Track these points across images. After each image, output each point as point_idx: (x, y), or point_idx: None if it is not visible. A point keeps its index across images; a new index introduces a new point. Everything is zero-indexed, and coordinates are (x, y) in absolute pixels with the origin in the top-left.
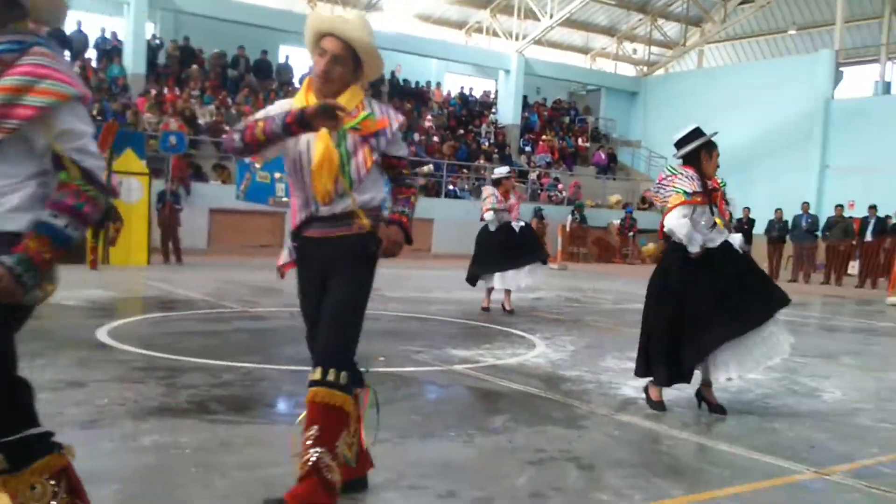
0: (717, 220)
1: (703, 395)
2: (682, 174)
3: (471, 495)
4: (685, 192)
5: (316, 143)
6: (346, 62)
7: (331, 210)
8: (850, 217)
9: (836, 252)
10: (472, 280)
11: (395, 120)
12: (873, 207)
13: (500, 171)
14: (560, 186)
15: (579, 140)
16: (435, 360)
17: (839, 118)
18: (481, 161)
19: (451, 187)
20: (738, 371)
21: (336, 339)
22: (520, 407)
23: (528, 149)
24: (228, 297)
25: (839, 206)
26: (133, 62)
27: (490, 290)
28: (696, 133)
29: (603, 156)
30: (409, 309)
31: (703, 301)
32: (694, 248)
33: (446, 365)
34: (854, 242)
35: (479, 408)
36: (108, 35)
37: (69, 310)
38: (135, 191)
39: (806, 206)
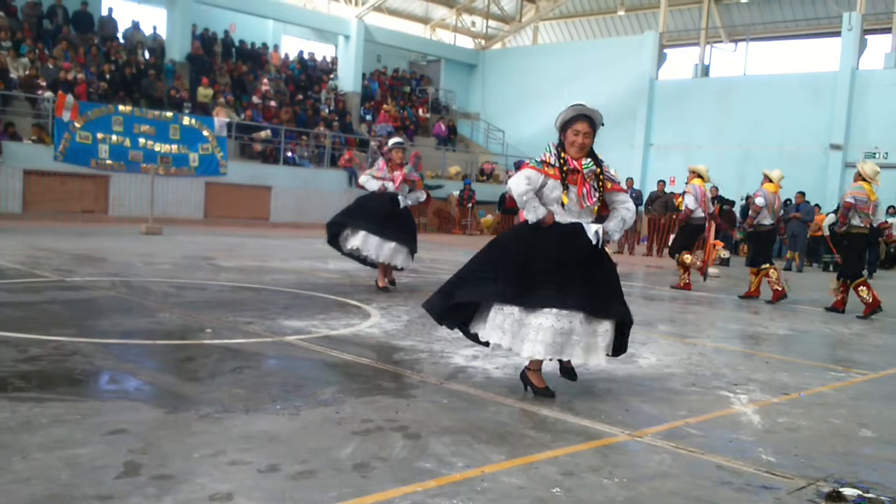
0: (564, 199)
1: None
2: (547, 150)
3: (293, 469)
4: (536, 161)
5: None
6: None
7: None
8: (671, 192)
9: (657, 225)
10: (333, 227)
11: None
12: None
13: (391, 141)
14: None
15: (420, 111)
16: (266, 332)
17: (662, 98)
18: (321, 128)
19: (289, 154)
20: (510, 345)
21: None
22: (350, 378)
23: (368, 117)
24: (42, 265)
25: (661, 182)
26: None
27: (382, 268)
28: (574, 108)
29: (443, 127)
30: (243, 279)
31: (517, 257)
32: (530, 216)
33: (277, 336)
34: (674, 216)
35: (309, 379)
36: None
37: None
38: None
39: (630, 181)
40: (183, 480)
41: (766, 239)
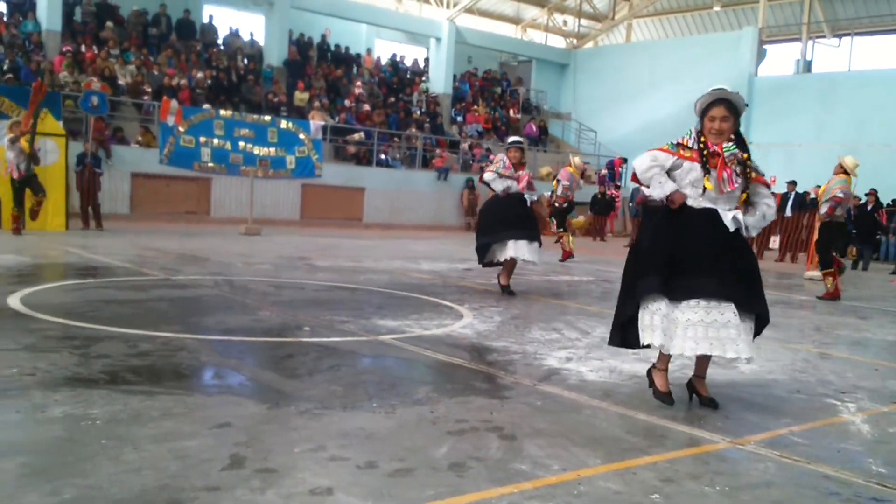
0: (707, 184)
1: (695, 386)
2: (687, 133)
3: (391, 466)
4: (671, 143)
5: None
6: None
7: None
8: (772, 192)
9: None
10: (482, 250)
11: None
12: (793, 183)
13: (511, 139)
14: (492, 157)
15: (511, 111)
16: (361, 330)
17: (762, 95)
18: (412, 130)
19: (382, 156)
20: (662, 342)
21: None
22: (444, 377)
23: (459, 119)
24: (150, 264)
25: None
26: (48, 18)
27: (507, 265)
28: (711, 93)
29: (534, 127)
30: (338, 279)
31: (656, 250)
32: (655, 191)
33: (372, 335)
34: (774, 217)
35: (403, 378)
36: None
37: None
38: (51, 153)
39: (773, 178)
40: (285, 474)
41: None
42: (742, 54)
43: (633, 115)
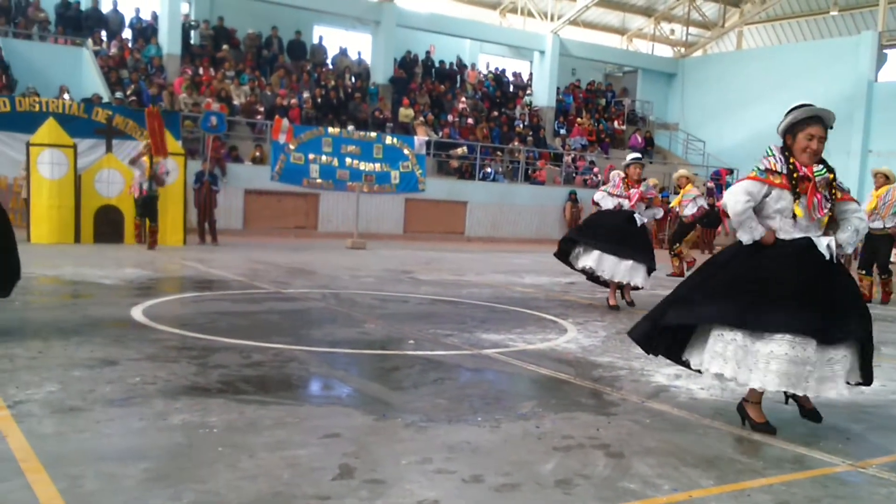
0: (797, 211)
1: (797, 398)
2: (770, 154)
3: (496, 481)
4: (758, 169)
5: None
6: None
7: None
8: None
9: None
10: (566, 243)
11: None
12: None
13: (629, 157)
14: (595, 170)
15: (615, 123)
16: (464, 344)
17: (882, 102)
18: (515, 143)
19: (488, 170)
20: (734, 374)
21: None
22: (549, 392)
23: (562, 131)
24: (261, 277)
25: None
26: (168, 42)
27: (615, 286)
28: (794, 109)
29: (640, 139)
30: (441, 292)
31: (738, 277)
32: (745, 236)
33: (476, 349)
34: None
35: (508, 392)
36: (142, 15)
37: (105, 288)
38: (171, 171)
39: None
40: (393, 485)
41: (687, 228)
42: (861, 60)
43: (743, 125)
